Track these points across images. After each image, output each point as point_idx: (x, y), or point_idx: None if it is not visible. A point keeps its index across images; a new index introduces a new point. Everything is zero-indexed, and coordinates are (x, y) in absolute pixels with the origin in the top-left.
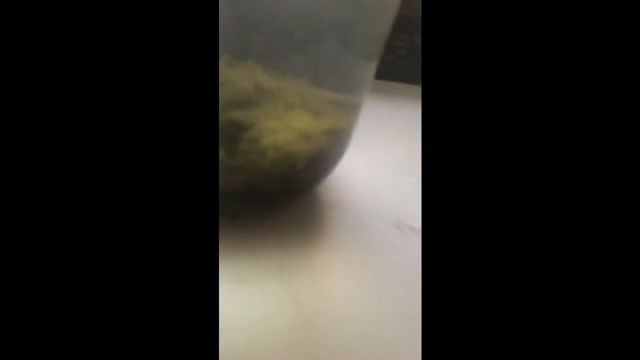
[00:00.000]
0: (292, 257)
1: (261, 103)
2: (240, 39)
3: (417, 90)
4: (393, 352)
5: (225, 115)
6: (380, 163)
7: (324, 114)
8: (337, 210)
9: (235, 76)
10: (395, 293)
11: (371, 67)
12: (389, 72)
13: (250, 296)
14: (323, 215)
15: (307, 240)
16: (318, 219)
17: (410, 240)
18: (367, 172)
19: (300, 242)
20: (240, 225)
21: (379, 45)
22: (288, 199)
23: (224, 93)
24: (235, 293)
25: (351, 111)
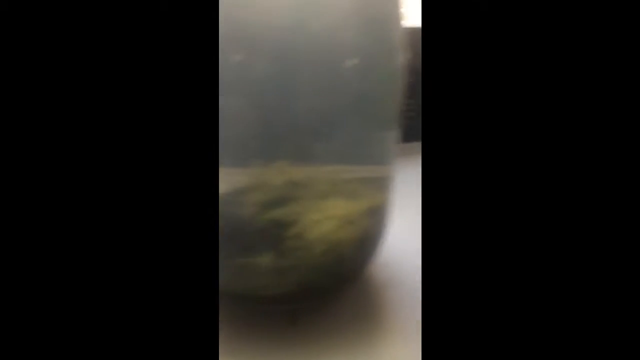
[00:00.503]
0: (358, 350)
1: (296, 197)
2: (267, 143)
3: None
4: None
5: (266, 216)
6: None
7: (359, 195)
8: (391, 289)
9: (267, 177)
10: None
11: (394, 135)
12: (404, 134)
13: None
14: (379, 298)
15: (369, 327)
16: (375, 302)
17: None
18: (412, 239)
19: (363, 331)
20: (299, 327)
21: (396, 113)
22: (341, 289)
23: (260, 195)
24: None
25: (385, 185)
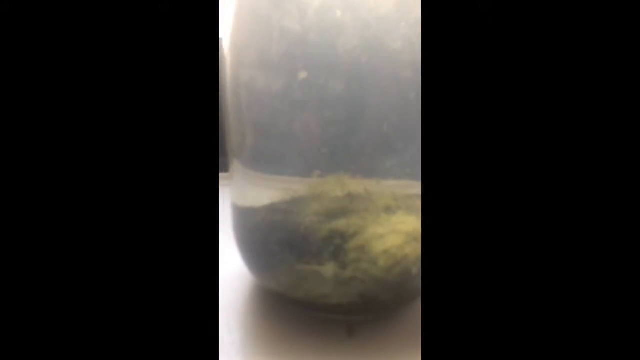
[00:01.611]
0: None
1: (358, 210)
2: (330, 153)
3: None
4: None
5: (326, 226)
6: None
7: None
8: None
9: (327, 188)
10: None
11: None
12: None
13: None
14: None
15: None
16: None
17: None
18: None
19: (418, 351)
20: (356, 339)
21: None
22: (402, 306)
23: (319, 206)
24: None
25: None
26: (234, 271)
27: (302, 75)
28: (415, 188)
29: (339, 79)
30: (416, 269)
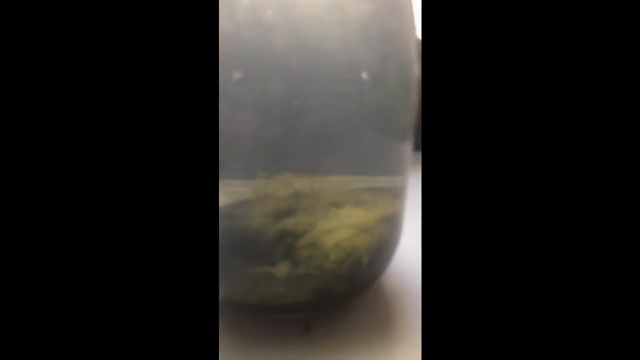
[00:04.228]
0: (371, 358)
1: (305, 207)
2: (273, 154)
3: None
4: None
5: (275, 227)
6: None
7: (374, 204)
8: (405, 298)
9: (272, 189)
10: None
11: (408, 146)
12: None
13: None
14: (393, 306)
15: (383, 335)
16: (389, 310)
17: None
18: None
19: (377, 339)
20: (314, 334)
21: (411, 124)
22: (355, 297)
23: (266, 207)
24: None
25: (399, 194)
26: None
27: (237, 75)
28: (360, 182)
29: (280, 78)
30: (366, 259)
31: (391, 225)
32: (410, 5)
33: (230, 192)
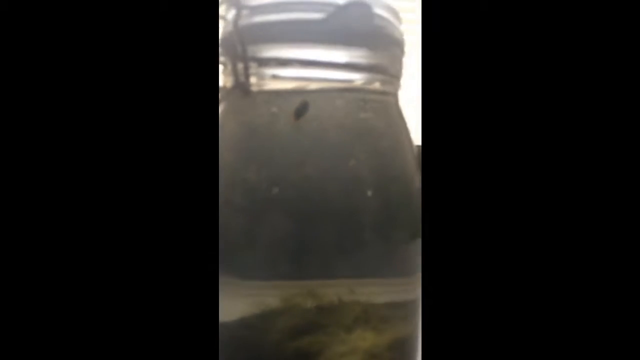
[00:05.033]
0: None
1: (325, 325)
2: (297, 258)
3: None
4: None
5: (292, 344)
6: None
7: (384, 327)
8: None
9: (298, 300)
10: None
11: (417, 247)
12: None
13: None
14: None
15: None
16: None
17: None
18: None
19: None
20: None
21: (418, 228)
22: None
23: (288, 322)
24: None
25: (411, 313)
26: None
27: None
28: (379, 295)
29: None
30: None
31: (402, 350)
32: (404, 122)
33: (255, 302)
